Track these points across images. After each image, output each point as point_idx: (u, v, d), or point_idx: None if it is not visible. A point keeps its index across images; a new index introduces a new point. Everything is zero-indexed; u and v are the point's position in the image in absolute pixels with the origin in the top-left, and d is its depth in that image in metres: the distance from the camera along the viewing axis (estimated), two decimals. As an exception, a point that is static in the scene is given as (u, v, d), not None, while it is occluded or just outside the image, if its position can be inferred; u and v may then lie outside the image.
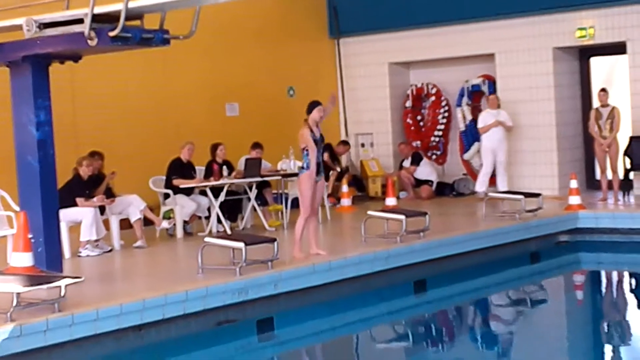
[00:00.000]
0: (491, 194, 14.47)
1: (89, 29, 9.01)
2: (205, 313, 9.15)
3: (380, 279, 10.97)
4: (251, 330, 9.44)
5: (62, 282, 8.13)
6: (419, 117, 18.30)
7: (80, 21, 9.21)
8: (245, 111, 16.67)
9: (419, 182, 17.40)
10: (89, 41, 9.09)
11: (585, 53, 16.94)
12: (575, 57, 16.99)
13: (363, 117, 18.50)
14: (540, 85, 16.53)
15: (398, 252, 11.21)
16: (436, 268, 11.62)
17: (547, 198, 14.69)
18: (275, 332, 9.59)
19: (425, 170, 17.45)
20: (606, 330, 9.82)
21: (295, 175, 13.68)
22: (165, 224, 12.89)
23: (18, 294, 7.88)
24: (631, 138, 15.52)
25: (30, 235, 9.64)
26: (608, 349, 8.96)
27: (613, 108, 14.67)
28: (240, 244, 9.79)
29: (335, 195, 16.40)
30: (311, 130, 10.59)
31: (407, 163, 17.57)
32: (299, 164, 13.93)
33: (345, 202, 16.08)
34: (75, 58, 10.30)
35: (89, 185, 12.13)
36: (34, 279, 8.36)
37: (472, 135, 17.30)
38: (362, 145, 18.57)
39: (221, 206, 13.41)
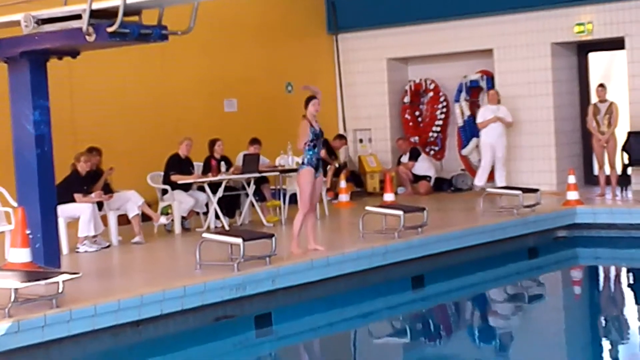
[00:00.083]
0: (489, 190, 14.47)
1: (87, 25, 9.01)
2: (203, 309, 9.15)
3: (378, 274, 10.97)
4: (249, 326, 9.45)
5: (60, 278, 8.13)
6: (417, 113, 18.30)
7: (78, 17, 9.21)
8: (243, 107, 16.66)
9: (417, 178, 17.40)
10: (87, 37, 9.09)
11: (584, 48, 16.94)
12: (574, 53, 16.99)
13: (361, 112, 18.49)
14: (539, 81, 16.53)
15: (396, 248, 11.22)
16: (434, 263, 11.63)
17: (545, 193, 14.68)
18: (273, 328, 9.60)
19: (424, 166, 17.45)
20: (604, 325, 9.84)
21: (294, 171, 13.71)
22: (163, 220, 12.90)
23: (16, 289, 7.88)
24: (629, 133, 15.53)
25: (28, 231, 9.63)
26: (606, 344, 8.98)
27: (611, 103, 14.68)
28: (238, 240, 9.79)
29: (333, 190, 16.40)
30: (311, 125, 10.60)
31: (405, 159, 17.57)
32: (297, 159, 13.97)
33: (343, 197, 16.08)
34: (73, 54, 10.29)
35: (87, 181, 12.13)
36: (31, 275, 8.36)
37: (470, 130, 17.30)
38: (361, 140, 18.57)
39: (219, 202, 13.41)
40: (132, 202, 12.43)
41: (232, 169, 13.79)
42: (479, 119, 16.17)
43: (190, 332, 9.04)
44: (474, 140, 17.16)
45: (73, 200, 11.77)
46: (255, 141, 14.32)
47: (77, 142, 13.38)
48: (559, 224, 13.67)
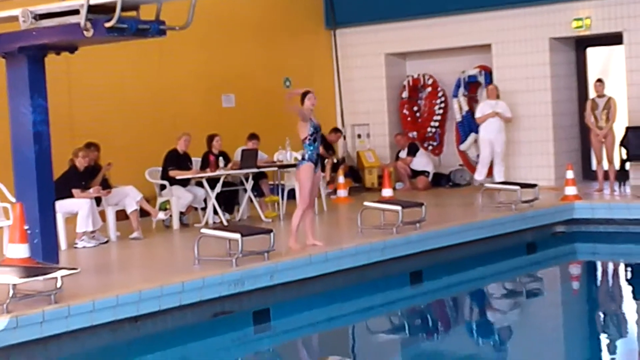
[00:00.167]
0: (487, 185, 14.48)
1: (84, 20, 8.98)
2: (202, 304, 9.15)
3: (377, 270, 10.97)
4: (247, 322, 9.44)
5: (58, 274, 8.12)
6: (415, 108, 18.28)
7: (76, 12, 9.17)
8: (241, 102, 16.65)
9: (415, 173, 17.41)
10: (84, 32, 9.06)
11: (582, 43, 16.94)
12: (572, 48, 16.99)
13: (359, 108, 18.48)
14: (537, 76, 16.53)
15: (394, 243, 11.21)
16: (432, 259, 11.63)
17: (543, 189, 14.68)
18: (271, 324, 9.59)
19: (422, 161, 17.45)
20: (602, 320, 9.85)
21: (292, 166, 13.70)
22: (161, 215, 12.88)
23: (14, 285, 7.87)
24: (627, 128, 15.54)
25: (26, 227, 9.61)
26: (604, 339, 8.98)
27: (609, 98, 14.67)
28: (237, 235, 9.78)
29: (332, 183, 16.36)
30: (310, 119, 10.61)
31: (403, 154, 17.57)
32: (296, 154, 13.97)
33: (342, 193, 16.07)
34: (71, 49, 10.26)
35: (85, 177, 12.12)
36: (30, 271, 8.35)
37: (468, 126, 17.29)
38: (359, 136, 18.56)
39: (217, 197, 13.40)
40: (130, 198, 12.43)
41: (230, 165, 13.78)
42: (478, 114, 16.17)
43: (188, 327, 9.03)
44: (472, 136, 17.16)
45: (71, 196, 11.76)
46: (253, 136, 14.30)
47: (75, 138, 13.36)
48: (557, 219, 13.68)
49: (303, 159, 10.68)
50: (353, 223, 12.09)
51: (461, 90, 17.55)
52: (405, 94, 18.23)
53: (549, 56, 16.44)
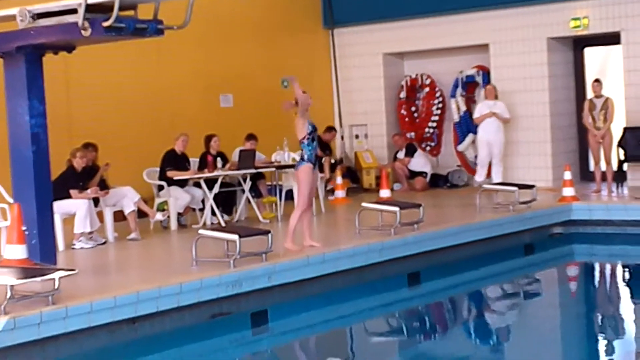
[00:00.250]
0: (485, 186, 14.47)
1: (82, 19, 8.97)
2: (200, 306, 9.14)
3: (374, 271, 10.96)
4: (245, 323, 9.43)
5: (56, 275, 8.11)
6: (413, 108, 18.27)
7: (74, 11, 9.17)
8: (239, 102, 16.63)
9: (413, 174, 17.40)
10: (82, 31, 9.06)
11: (580, 43, 16.94)
12: (570, 48, 16.99)
13: (357, 108, 18.47)
14: (534, 76, 16.53)
15: (392, 244, 11.20)
16: (430, 260, 11.62)
17: (541, 189, 14.68)
18: (269, 325, 9.59)
19: (420, 162, 17.44)
20: (599, 321, 9.84)
21: (290, 167, 13.69)
22: (159, 216, 12.87)
23: (12, 286, 7.85)
24: (625, 129, 15.52)
25: (24, 228, 9.60)
26: (601, 341, 8.98)
27: (607, 99, 14.66)
28: (235, 236, 9.77)
29: (333, 180, 16.30)
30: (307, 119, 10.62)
31: (401, 154, 17.56)
32: (293, 155, 13.95)
33: (339, 193, 16.06)
34: (69, 48, 10.26)
35: (83, 177, 12.09)
36: (27, 272, 8.34)
37: (466, 126, 17.29)
38: (357, 136, 18.55)
39: (215, 198, 13.39)
40: (128, 198, 12.41)
41: (228, 165, 13.76)
42: (476, 115, 16.17)
43: (186, 329, 9.02)
44: (470, 136, 17.15)
45: (69, 197, 11.74)
46: (251, 137, 14.28)
47: (73, 138, 13.34)
48: (554, 220, 13.68)
49: (302, 159, 10.64)
50: (351, 224, 12.08)
51: (459, 90, 17.54)
52: (403, 94, 18.22)
53: (547, 56, 16.44)
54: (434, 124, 17.98)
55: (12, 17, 9.69)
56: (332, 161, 16.82)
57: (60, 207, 11.50)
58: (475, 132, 16.49)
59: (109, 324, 8.41)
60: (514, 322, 10.11)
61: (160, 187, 13.39)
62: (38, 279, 8.14)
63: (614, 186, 14.90)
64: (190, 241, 10.16)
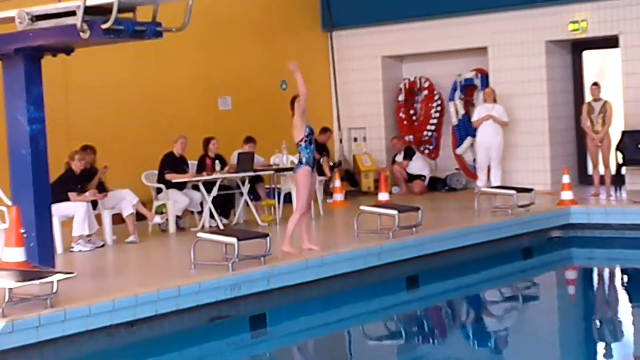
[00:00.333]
0: (484, 189, 14.47)
1: (81, 22, 8.97)
2: (198, 309, 9.13)
3: (373, 274, 10.95)
4: (244, 326, 9.43)
5: (55, 278, 8.10)
6: (411, 112, 18.27)
7: (72, 13, 9.17)
8: (237, 105, 16.62)
9: (411, 177, 17.39)
10: (81, 33, 9.05)
11: (578, 46, 16.95)
12: (568, 51, 17.00)
13: (355, 111, 18.47)
14: (533, 79, 16.53)
15: (390, 248, 11.20)
16: (428, 264, 11.61)
17: (539, 193, 14.68)
18: (267, 328, 9.58)
19: (418, 165, 17.44)
20: (598, 325, 9.84)
21: (288, 169, 13.67)
22: (157, 219, 12.86)
23: (10, 289, 7.84)
24: (623, 132, 15.52)
25: (22, 230, 9.60)
26: (600, 345, 8.99)
27: (605, 102, 14.67)
28: (233, 240, 9.76)
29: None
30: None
31: (399, 158, 17.55)
32: (292, 158, 13.94)
33: (338, 197, 16.04)
34: (68, 50, 10.25)
35: (81, 180, 12.08)
36: (26, 275, 8.33)
37: (464, 129, 17.28)
38: (355, 139, 18.54)
39: (214, 201, 13.37)
40: (126, 201, 12.39)
41: (226, 168, 13.75)
42: (474, 118, 16.17)
43: (184, 332, 9.01)
44: (468, 140, 17.14)
45: (67, 199, 11.73)
46: (249, 140, 14.27)
47: (72, 140, 13.33)
48: (553, 224, 13.67)
49: (300, 162, 10.62)
50: (349, 227, 12.08)
51: (457, 93, 17.54)
52: (401, 97, 18.22)
53: (545, 59, 16.44)
54: (433, 127, 17.98)
55: (11, 19, 9.68)
56: (331, 164, 16.78)
57: (59, 210, 11.49)
58: (473, 136, 16.49)
59: (107, 327, 8.40)
60: (512, 325, 10.10)
61: (159, 190, 13.37)
62: (36, 281, 8.14)
63: (612, 190, 14.89)
64: (189, 244, 10.15)
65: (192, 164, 13.74)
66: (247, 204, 13.93)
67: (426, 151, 18.08)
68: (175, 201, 13.24)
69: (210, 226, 13.30)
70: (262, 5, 17.33)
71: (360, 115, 18.41)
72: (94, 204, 12.13)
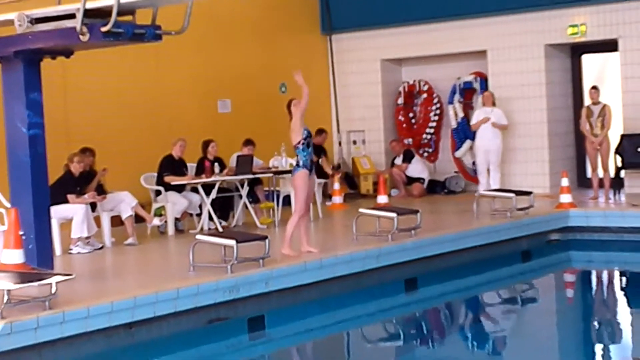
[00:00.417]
0: (483, 192, 14.48)
1: (80, 24, 8.98)
2: (197, 311, 9.12)
3: (372, 277, 10.95)
4: (242, 329, 9.42)
5: (53, 280, 8.10)
6: (410, 115, 18.28)
7: (72, 16, 9.19)
8: (237, 108, 16.63)
9: (410, 180, 17.39)
10: (80, 36, 9.06)
11: (577, 50, 16.96)
12: (567, 54, 17.01)
13: (355, 114, 18.48)
14: (532, 83, 16.54)
15: (389, 250, 11.20)
16: (427, 266, 11.62)
17: (538, 196, 14.69)
18: (266, 331, 9.58)
19: (417, 168, 17.45)
20: (596, 328, 9.85)
21: (287, 172, 13.68)
22: (156, 221, 12.86)
23: (9, 291, 7.85)
24: (622, 136, 15.52)
25: (21, 232, 9.60)
26: (598, 347, 8.99)
27: (604, 106, 14.68)
28: (232, 242, 9.77)
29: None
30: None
31: (398, 160, 17.56)
32: (291, 161, 13.94)
33: (337, 199, 16.05)
34: (67, 53, 10.27)
35: (80, 182, 12.09)
36: (24, 276, 8.34)
37: (463, 132, 17.29)
38: (354, 142, 18.55)
39: (213, 203, 13.38)
40: (125, 203, 12.40)
41: (225, 171, 13.76)
42: (473, 121, 16.18)
43: (183, 334, 9.01)
44: (467, 143, 17.16)
45: (66, 201, 11.73)
46: (248, 142, 14.29)
47: (71, 143, 13.34)
48: (552, 226, 13.67)
49: (297, 165, 10.64)
50: (348, 230, 12.08)
51: (456, 96, 17.55)
52: (400, 100, 18.23)
53: (545, 63, 16.46)
54: (432, 130, 18.00)
55: (11, 22, 9.70)
56: (332, 167, 16.76)
57: (58, 212, 11.49)
58: (472, 139, 16.50)
59: (106, 329, 8.39)
60: (511, 328, 10.10)
61: (158, 192, 13.38)
62: (35, 283, 8.14)
63: (611, 193, 14.91)
64: (188, 246, 10.14)
65: (191, 166, 13.75)
66: (246, 207, 13.94)
67: (425, 154, 18.09)
68: (174, 203, 13.24)
69: (209, 228, 13.31)
70: (261, 9, 17.34)
71: (359, 118, 18.42)
72: (93, 206, 12.13)
